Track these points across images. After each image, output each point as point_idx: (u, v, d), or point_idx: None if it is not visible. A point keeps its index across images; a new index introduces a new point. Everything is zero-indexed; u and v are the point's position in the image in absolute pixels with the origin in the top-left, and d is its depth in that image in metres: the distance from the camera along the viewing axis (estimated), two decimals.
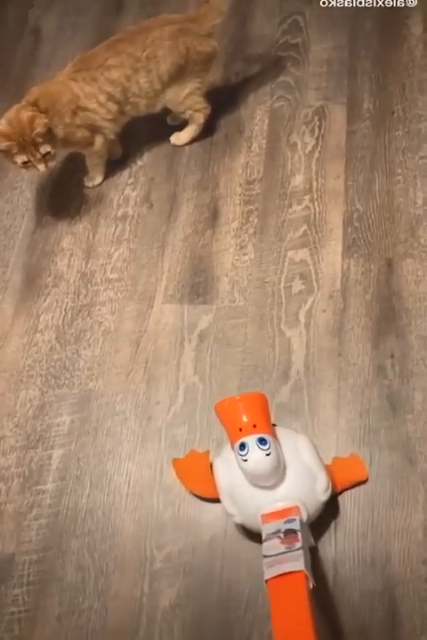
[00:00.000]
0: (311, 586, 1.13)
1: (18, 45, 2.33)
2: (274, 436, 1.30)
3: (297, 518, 1.23)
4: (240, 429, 1.29)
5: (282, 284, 1.70)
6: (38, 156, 1.69)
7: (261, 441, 1.25)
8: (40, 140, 1.66)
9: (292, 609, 1.12)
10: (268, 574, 1.15)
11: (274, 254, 1.75)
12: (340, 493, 1.40)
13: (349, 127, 1.94)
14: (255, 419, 1.30)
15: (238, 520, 1.33)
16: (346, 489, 1.41)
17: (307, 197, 1.83)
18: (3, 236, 1.93)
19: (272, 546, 1.20)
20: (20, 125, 1.65)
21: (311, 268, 1.71)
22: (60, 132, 1.75)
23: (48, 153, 1.70)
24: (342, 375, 1.55)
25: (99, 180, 1.97)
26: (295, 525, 1.21)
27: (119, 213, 1.91)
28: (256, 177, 1.90)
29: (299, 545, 1.17)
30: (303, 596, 1.11)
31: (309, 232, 1.77)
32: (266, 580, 1.15)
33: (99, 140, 1.86)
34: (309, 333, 1.61)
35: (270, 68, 2.10)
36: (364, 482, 1.42)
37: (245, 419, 1.30)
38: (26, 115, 1.65)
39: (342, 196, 1.82)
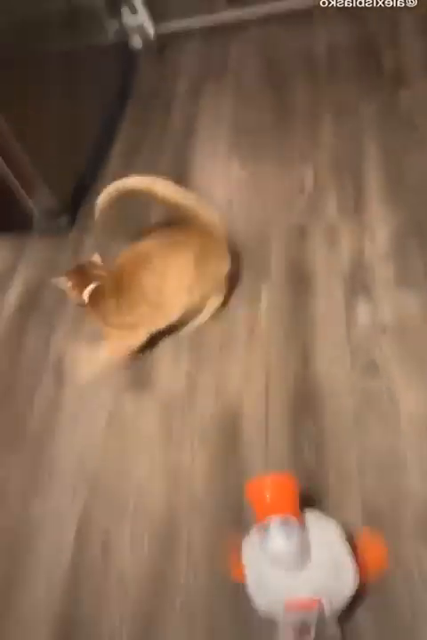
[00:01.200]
0: None
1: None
2: (299, 519, 1.28)
3: (315, 613, 1.22)
4: (267, 510, 1.27)
5: None
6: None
7: (287, 523, 1.24)
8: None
9: None
10: None
11: None
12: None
13: None
14: (283, 502, 1.28)
15: (262, 607, 1.30)
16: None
17: None
18: None
19: (286, 636, 1.22)
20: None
21: None
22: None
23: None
24: None
25: None
26: (311, 619, 1.21)
27: None
28: None
29: (308, 639, 1.19)
30: None
31: None
32: None
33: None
34: None
35: None
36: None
37: (270, 499, 1.28)
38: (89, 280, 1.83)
39: None
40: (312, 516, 1.33)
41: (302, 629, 1.20)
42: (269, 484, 1.30)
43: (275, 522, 1.24)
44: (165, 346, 1.95)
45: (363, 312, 1.84)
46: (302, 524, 1.27)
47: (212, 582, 1.52)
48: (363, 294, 1.88)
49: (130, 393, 1.88)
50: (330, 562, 1.27)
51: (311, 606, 1.22)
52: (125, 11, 2.98)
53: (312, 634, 1.19)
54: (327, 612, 1.24)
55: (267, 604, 1.29)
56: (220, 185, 2.36)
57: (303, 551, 1.25)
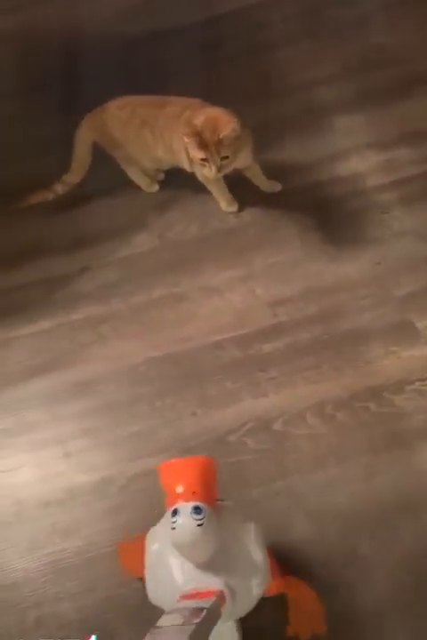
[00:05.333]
0: None
1: None
2: (213, 506, 1.21)
3: (213, 601, 1.12)
4: (178, 495, 1.21)
5: None
6: (217, 158, 1.81)
7: (196, 510, 1.17)
8: (226, 142, 1.78)
9: None
10: None
11: None
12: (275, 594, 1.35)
13: None
14: (196, 485, 1.21)
15: (155, 602, 1.25)
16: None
17: None
18: None
19: (169, 619, 1.09)
20: (213, 124, 1.79)
21: None
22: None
23: (227, 157, 1.82)
24: None
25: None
26: (206, 605, 1.10)
27: None
28: None
29: (196, 620, 1.05)
30: None
31: None
32: None
33: None
34: None
35: None
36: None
37: (182, 483, 1.22)
38: (224, 119, 1.79)
39: None
40: (231, 511, 1.29)
41: (192, 613, 1.07)
42: (183, 467, 1.26)
43: (184, 507, 1.18)
44: None
45: None
46: (215, 512, 1.21)
47: None
48: None
49: None
50: (240, 558, 1.23)
51: (210, 595, 1.13)
52: None
53: (202, 616, 1.06)
54: (229, 607, 1.15)
55: (163, 596, 1.22)
56: None
57: (210, 541, 1.19)
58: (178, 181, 2.20)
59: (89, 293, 2.04)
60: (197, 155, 1.83)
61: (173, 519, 1.18)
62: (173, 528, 1.17)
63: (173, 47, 2.63)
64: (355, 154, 2.23)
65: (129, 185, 2.22)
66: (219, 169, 1.84)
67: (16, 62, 2.71)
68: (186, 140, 1.82)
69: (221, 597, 1.14)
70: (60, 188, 2.16)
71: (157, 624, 1.09)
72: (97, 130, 2.10)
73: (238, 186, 2.11)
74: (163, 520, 1.30)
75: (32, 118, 2.47)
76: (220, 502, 1.28)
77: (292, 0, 2.74)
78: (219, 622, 1.12)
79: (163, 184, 2.23)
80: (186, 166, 2.03)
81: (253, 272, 2.00)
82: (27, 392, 1.87)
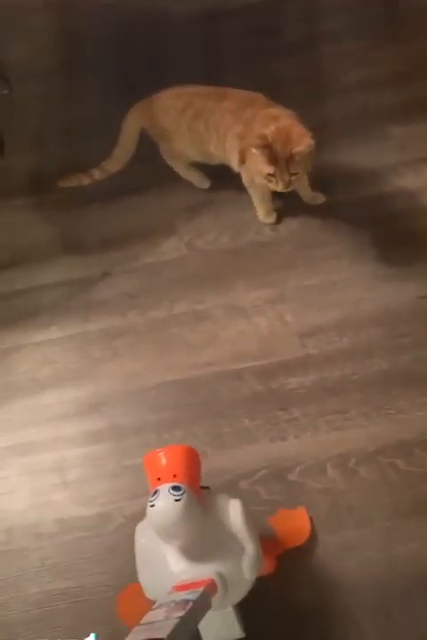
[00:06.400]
0: None
1: None
2: (196, 491, 1.19)
3: (201, 590, 1.08)
4: (159, 479, 1.19)
5: None
6: (287, 175, 1.67)
7: (175, 488, 1.15)
8: (298, 158, 1.64)
9: None
10: None
11: None
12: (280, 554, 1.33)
13: None
14: (176, 469, 1.20)
15: (151, 595, 1.21)
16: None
17: None
18: None
19: (153, 615, 1.07)
20: (285, 137, 1.64)
21: None
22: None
23: (297, 173, 1.68)
24: None
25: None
26: (193, 596, 1.07)
27: None
28: None
29: (180, 614, 1.01)
30: None
31: None
32: None
33: None
34: None
35: None
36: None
37: (162, 467, 1.21)
38: (297, 132, 1.65)
39: None
40: (216, 497, 1.26)
41: (176, 606, 1.04)
42: (164, 453, 1.24)
43: (163, 487, 1.16)
44: None
45: None
46: (199, 498, 1.18)
47: None
48: None
49: None
50: (229, 543, 1.20)
51: (199, 585, 1.10)
52: None
53: (188, 608, 1.03)
54: (221, 595, 1.13)
55: (156, 588, 1.19)
56: None
57: (190, 520, 1.15)
58: (213, 183, 2.04)
59: (107, 301, 1.90)
60: (265, 169, 1.69)
61: (152, 498, 1.16)
62: (152, 505, 1.15)
63: (228, 31, 2.45)
64: (410, 168, 2.03)
65: (161, 183, 2.07)
66: (287, 185, 1.70)
67: (64, 36, 2.58)
68: (255, 151, 1.68)
69: (211, 586, 1.12)
70: (97, 174, 2.02)
71: (142, 620, 1.07)
72: (147, 118, 1.98)
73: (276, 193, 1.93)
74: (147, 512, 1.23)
75: (76, 99, 2.34)
76: (205, 489, 1.26)
77: None
78: (211, 611, 1.11)
79: (194, 187, 2.07)
80: (234, 166, 1.89)
81: (284, 294, 1.83)
82: (29, 407, 1.74)
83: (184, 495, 1.15)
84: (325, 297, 1.81)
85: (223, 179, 2.02)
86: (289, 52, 2.33)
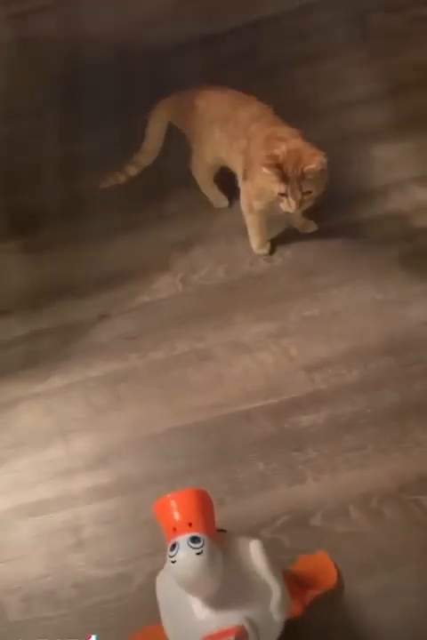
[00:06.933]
0: None
1: None
2: (213, 537, 1.15)
3: (233, 638, 1.08)
4: (174, 529, 1.15)
5: None
6: (298, 193, 1.65)
7: (194, 540, 1.12)
8: (310, 177, 1.63)
9: None
10: None
11: None
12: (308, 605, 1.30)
13: None
14: (191, 516, 1.15)
15: None
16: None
17: None
18: None
19: None
20: (297, 156, 1.63)
21: None
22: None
23: (309, 192, 1.66)
24: None
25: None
26: None
27: None
28: None
29: None
30: None
31: None
32: None
33: None
34: None
35: None
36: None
37: (177, 517, 1.16)
38: (308, 151, 1.64)
39: None
40: (234, 539, 1.23)
41: None
42: (177, 500, 1.19)
43: (182, 539, 1.11)
44: None
45: None
46: (217, 542, 1.14)
47: None
48: None
49: None
50: (254, 586, 1.17)
51: (230, 633, 1.09)
52: None
53: None
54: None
55: (180, 638, 1.17)
56: None
57: (213, 571, 1.12)
58: (201, 217, 2.02)
59: (106, 345, 1.86)
60: (276, 188, 1.67)
61: (172, 553, 1.12)
62: (173, 562, 1.12)
63: (205, 56, 2.40)
64: (398, 189, 2.02)
65: (150, 218, 2.04)
66: (299, 204, 1.68)
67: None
68: (266, 171, 1.66)
69: (241, 634, 1.10)
70: (131, 170, 2.05)
71: None
72: (174, 111, 2.01)
73: (268, 223, 1.92)
74: (166, 566, 1.22)
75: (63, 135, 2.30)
76: (221, 533, 1.24)
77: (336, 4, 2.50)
78: None
79: (185, 221, 2.04)
80: (239, 178, 1.88)
81: (286, 327, 1.81)
82: (35, 463, 1.69)
83: (204, 547, 1.11)
84: (327, 328, 1.79)
85: (213, 210, 2.01)
86: (264, 76, 2.29)
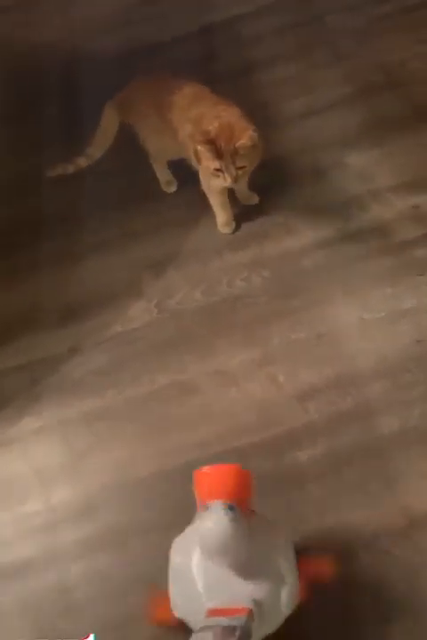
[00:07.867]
0: None
1: None
2: (246, 513, 1.18)
3: (245, 618, 1.08)
4: (211, 494, 1.17)
5: None
6: (233, 168, 1.70)
7: (229, 508, 1.13)
8: (242, 152, 1.68)
9: None
10: None
11: None
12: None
13: None
14: (230, 489, 1.18)
15: (179, 613, 1.19)
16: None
17: None
18: None
19: (200, 636, 1.07)
20: (229, 131, 1.68)
21: None
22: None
23: (244, 167, 1.71)
24: None
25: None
26: (239, 622, 1.07)
27: None
28: None
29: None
30: None
31: None
32: None
33: None
34: None
35: None
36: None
37: (218, 485, 1.19)
38: (240, 125, 1.69)
39: None
40: (262, 522, 1.25)
41: (224, 632, 1.04)
42: (218, 471, 1.22)
43: (217, 503, 1.14)
44: None
45: None
46: (247, 519, 1.16)
47: None
48: None
49: None
50: (269, 570, 1.18)
51: (240, 612, 1.09)
52: None
53: (237, 636, 1.03)
54: (256, 624, 1.10)
55: (188, 610, 1.18)
56: None
57: (240, 544, 1.13)
58: (170, 235, 1.94)
59: (79, 382, 1.74)
60: (211, 165, 1.72)
61: (205, 513, 1.14)
62: (204, 521, 1.13)
63: (160, 62, 2.32)
64: (374, 199, 1.95)
65: (120, 237, 1.95)
66: (235, 179, 1.73)
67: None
68: (199, 148, 1.72)
69: (249, 614, 1.11)
70: (81, 161, 2.03)
71: None
72: (123, 114, 2.00)
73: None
74: (187, 531, 1.25)
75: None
76: (252, 512, 1.24)
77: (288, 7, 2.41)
78: None
79: (154, 239, 1.94)
80: (193, 163, 1.87)
81: (271, 352, 1.72)
82: (14, 519, 1.56)
83: (237, 517, 1.13)
84: (314, 351, 1.72)
85: (181, 227, 1.94)
86: (221, 83, 2.17)
